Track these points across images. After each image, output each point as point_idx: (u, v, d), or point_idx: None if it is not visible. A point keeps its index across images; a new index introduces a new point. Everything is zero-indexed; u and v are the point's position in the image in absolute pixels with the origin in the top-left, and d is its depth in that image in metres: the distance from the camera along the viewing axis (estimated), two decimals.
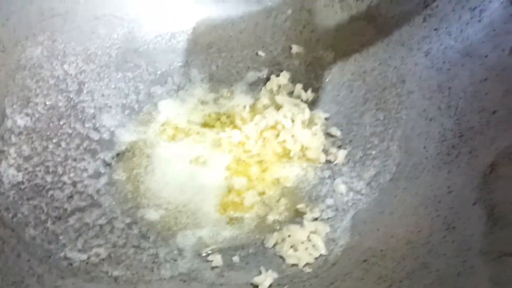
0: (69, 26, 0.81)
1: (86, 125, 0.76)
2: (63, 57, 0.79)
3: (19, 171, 0.69)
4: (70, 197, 0.69)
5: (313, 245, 0.65)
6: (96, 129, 0.77)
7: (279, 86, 0.82)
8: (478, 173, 0.61)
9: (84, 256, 0.63)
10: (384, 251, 0.62)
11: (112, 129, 0.77)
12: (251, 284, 0.63)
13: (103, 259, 0.63)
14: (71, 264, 0.62)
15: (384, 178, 0.71)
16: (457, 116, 0.69)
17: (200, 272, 0.64)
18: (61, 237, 0.64)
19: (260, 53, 0.85)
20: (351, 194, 0.71)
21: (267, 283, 0.61)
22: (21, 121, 0.73)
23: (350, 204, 0.70)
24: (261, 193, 0.72)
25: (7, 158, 0.69)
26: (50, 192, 0.69)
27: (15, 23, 0.76)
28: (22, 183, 0.68)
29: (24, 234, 0.63)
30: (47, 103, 0.76)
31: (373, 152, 0.74)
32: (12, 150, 0.70)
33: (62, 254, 0.63)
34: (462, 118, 0.68)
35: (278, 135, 0.75)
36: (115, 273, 0.62)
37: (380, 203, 0.69)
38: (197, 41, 0.86)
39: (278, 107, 0.78)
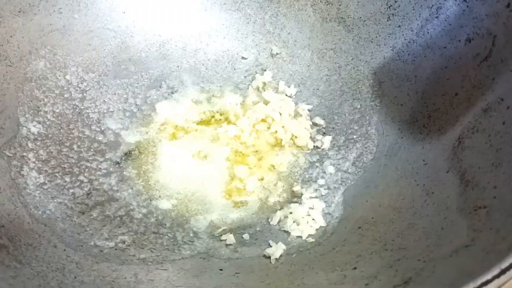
0: (67, 39, 0.87)
1: (93, 129, 0.83)
2: (64, 68, 0.86)
3: (40, 173, 0.75)
4: (89, 193, 0.76)
5: (313, 219, 0.74)
6: (102, 132, 0.83)
7: (264, 84, 0.91)
8: (448, 146, 0.71)
9: (111, 244, 0.70)
10: (375, 218, 0.71)
11: (116, 131, 0.84)
12: (264, 256, 0.71)
13: (129, 245, 0.70)
14: (101, 251, 0.69)
15: (367, 157, 0.81)
16: (424, 100, 0.79)
17: (216, 250, 0.72)
18: (88, 229, 0.71)
19: (244, 55, 0.94)
20: (339, 173, 0.81)
21: (278, 253, 0.70)
22: (34, 128, 0.79)
23: (339, 182, 0.80)
24: (260, 179, 0.80)
25: (27, 162, 0.75)
26: (71, 191, 0.75)
27: (18, 39, 0.82)
28: (45, 184, 0.74)
29: (56, 228, 0.70)
30: (55, 111, 0.82)
31: (354, 137, 0.84)
32: (31, 155, 0.76)
33: (92, 243, 0.69)
34: (429, 102, 0.78)
35: (269, 127, 0.84)
36: (142, 255, 0.69)
37: (366, 179, 0.79)
38: (185, 47, 0.94)
39: (266, 103, 0.87)
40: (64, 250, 0.67)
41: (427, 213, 0.67)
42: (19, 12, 0.82)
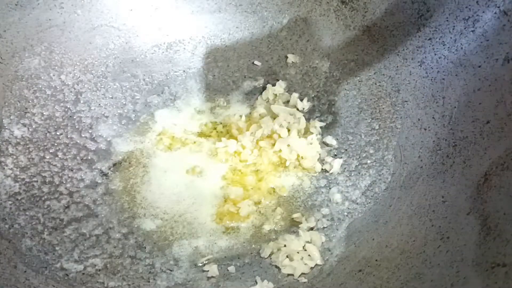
0: (66, 36, 0.81)
1: (83, 135, 0.77)
2: (60, 67, 0.80)
3: (16, 181, 0.69)
4: (67, 207, 0.69)
5: (309, 255, 0.66)
6: (93, 139, 0.77)
7: (275, 95, 0.82)
8: (472, 183, 0.62)
9: (80, 267, 0.63)
10: (379, 261, 0.62)
11: (109, 139, 0.78)
12: None
13: (99, 270, 0.64)
14: (67, 275, 0.62)
15: (379, 187, 0.72)
16: (451, 126, 0.69)
17: (196, 282, 0.64)
18: (57, 248, 0.65)
19: (256, 62, 0.86)
20: (347, 203, 0.71)
21: None
22: (18, 131, 0.73)
23: (345, 213, 0.71)
24: (257, 203, 0.72)
25: (4, 168, 0.70)
26: (47, 203, 0.69)
27: (13, 34, 0.77)
28: (19, 193, 0.69)
29: (21, 245, 0.64)
30: (44, 113, 0.76)
31: (368, 162, 0.75)
32: (9, 160, 0.71)
33: (58, 265, 0.63)
34: (456, 128, 0.68)
35: (274, 145, 0.76)
36: (111, 284, 0.62)
37: (375, 212, 0.69)
38: (194, 51, 0.87)
39: (274, 116, 0.79)
40: (25, 272, 0.60)
41: (438, 263, 0.57)
42: (16, 5, 0.77)
